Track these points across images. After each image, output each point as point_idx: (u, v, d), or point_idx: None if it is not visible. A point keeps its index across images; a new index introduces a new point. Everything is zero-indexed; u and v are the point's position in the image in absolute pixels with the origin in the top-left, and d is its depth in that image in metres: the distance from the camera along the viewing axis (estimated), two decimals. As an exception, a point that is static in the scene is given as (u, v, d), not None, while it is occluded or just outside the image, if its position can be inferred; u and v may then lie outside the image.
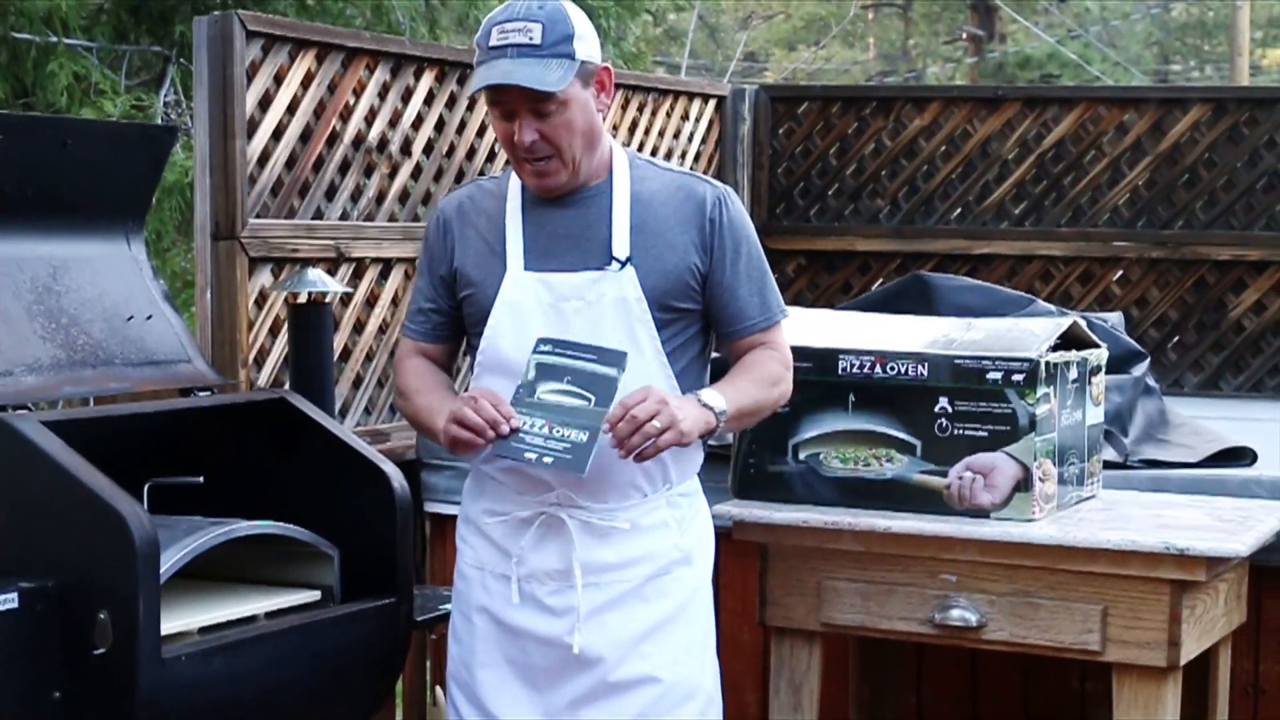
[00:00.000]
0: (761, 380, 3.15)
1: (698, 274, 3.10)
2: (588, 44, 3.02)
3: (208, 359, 3.89)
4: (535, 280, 3.07)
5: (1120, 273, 6.24)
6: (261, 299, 4.48)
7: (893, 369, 3.66)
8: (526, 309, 3.06)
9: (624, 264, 3.05)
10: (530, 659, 3.13)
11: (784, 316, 3.21)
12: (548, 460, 2.92)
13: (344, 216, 4.80)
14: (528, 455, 2.93)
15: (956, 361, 3.61)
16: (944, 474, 3.62)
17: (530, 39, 2.97)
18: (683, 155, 6.28)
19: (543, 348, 3.00)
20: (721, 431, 3.09)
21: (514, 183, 3.15)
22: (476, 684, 3.17)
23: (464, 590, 3.22)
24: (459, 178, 5.13)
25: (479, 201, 3.19)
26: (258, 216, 4.47)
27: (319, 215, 4.71)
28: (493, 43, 2.99)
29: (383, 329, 4.92)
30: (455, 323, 3.23)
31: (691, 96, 6.40)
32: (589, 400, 2.95)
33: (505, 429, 2.94)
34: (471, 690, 3.18)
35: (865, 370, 3.67)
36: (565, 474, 2.97)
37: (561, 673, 3.11)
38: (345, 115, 4.79)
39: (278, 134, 4.56)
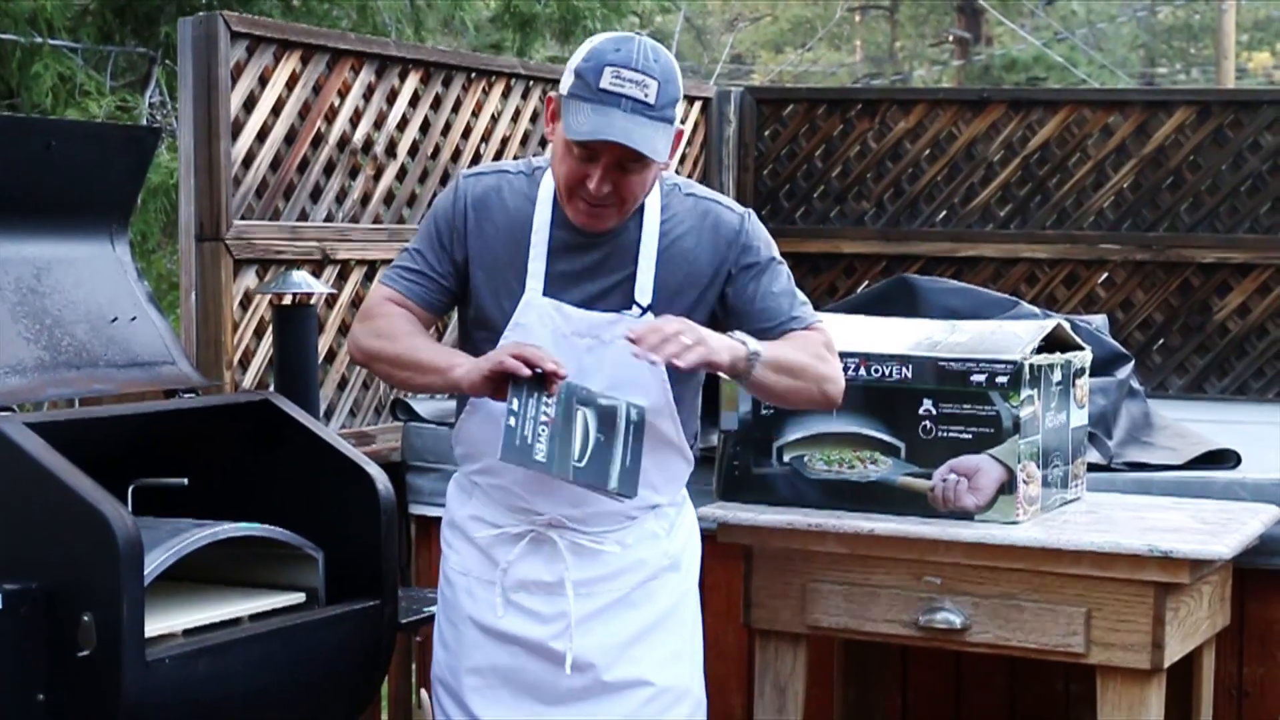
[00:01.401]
0: (803, 347, 3.00)
1: (719, 313, 3.03)
2: (681, 106, 2.94)
3: (192, 361, 3.88)
4: (552, 307, 2.99)
5: (1105, 275, 6.23)
6: (246, 301, 4.47)
7: (877, 371, 3.67)
8: (538, 337, 2.96)
9: (645, 310, 2.99)
10: (519, 663, 3.12)
11: (820, 322, 3.08)
12: (540, 447, 2.83)
13: (329, 218, 4.79)
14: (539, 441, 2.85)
15: (941, 364, 3.61)
16: (928, 476, 3.63)
17: (645, 96, 2.83)
18: (668, 157, 6.27)
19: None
20: (759, 379, 2.92)
21: (546, 191, 3.03)
22: (463, 688, 3.16)
23: (450, 596, 3.21)
24: (444, 180, 5.13)
25: (504, 197, 3.05)
26: (242, 218, 4.46)
27: (304, 217, 4.70)
28: (604, 85, 2.83)
29: (368, 331, 4.89)
30: (451, 298, 3.09)
31: (677, 98, 6.38)
32: (602, 437, 2.89)
33: (563, 372, 2.82)
34: (458, 694, 3.17)
35: (850, 372, 3.67)
36: (549, 471, 2.88)
37: (551, 677, 3.10)
38: (330, 117, 4.78)
39: (262, 135, 4.55)
